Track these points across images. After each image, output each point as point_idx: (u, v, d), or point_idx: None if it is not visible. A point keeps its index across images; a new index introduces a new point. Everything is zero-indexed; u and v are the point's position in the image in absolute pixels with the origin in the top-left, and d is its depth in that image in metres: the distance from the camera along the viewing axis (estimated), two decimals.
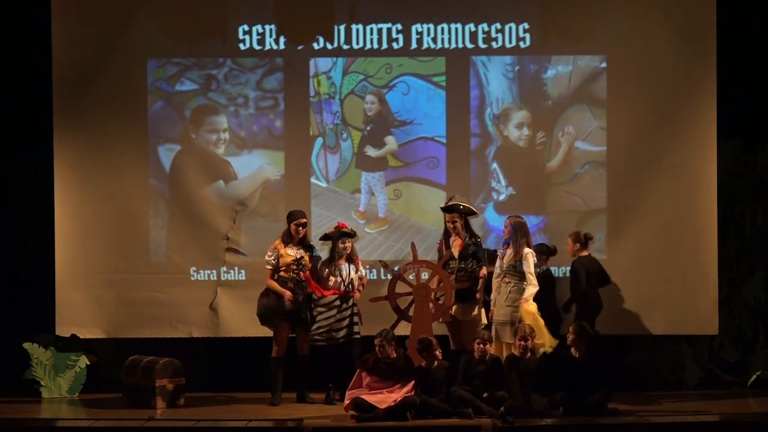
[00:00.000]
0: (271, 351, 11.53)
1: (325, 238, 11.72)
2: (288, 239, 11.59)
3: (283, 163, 12.59)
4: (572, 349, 10.93)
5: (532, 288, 11.24)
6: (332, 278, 11.58)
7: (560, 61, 12.57)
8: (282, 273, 11.54)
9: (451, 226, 11.59)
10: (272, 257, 11.55)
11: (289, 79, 12.55)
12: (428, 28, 12.52)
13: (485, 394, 10.77)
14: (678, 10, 12.40)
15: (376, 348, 10.85)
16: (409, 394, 10.64)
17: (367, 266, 12.33)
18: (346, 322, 11.52)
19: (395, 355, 10.85)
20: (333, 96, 12.61)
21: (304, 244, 11.65)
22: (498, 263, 11.48)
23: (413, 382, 10.77)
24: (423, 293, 11.46)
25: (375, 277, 12.39)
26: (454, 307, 11.51)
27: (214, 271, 12.48)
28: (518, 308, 11.20)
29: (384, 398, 10.60)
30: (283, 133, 12.58)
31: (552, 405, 10.67)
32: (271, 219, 12.43)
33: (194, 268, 12.44)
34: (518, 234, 11.40)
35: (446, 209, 11.65)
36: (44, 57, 12.43)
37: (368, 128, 12.64)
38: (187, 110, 12.59)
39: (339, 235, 11.62)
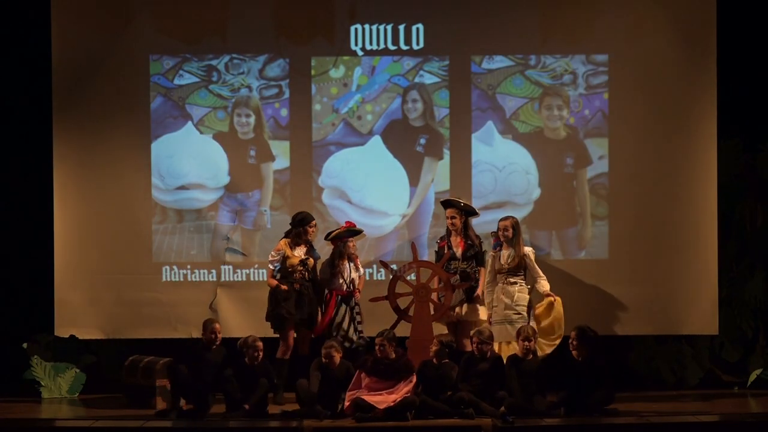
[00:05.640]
0: (277, 351, 11.49)
1: (335, 237, 11.62)
2: (298, 241, 11.55)
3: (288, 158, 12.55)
4: (574, 352, 10.92)
5: (544, 281, 11.35)
6: (340, 278, 11.57)
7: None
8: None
9: (450, 222, 11.55)
10: (277, 258, 11.52)
11: (290, 80, 12.51)
12: (429, 29, 12.49)
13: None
14: (678, 11, 12.39)
15: (377, 348, 10.84)
16: (408, 394, 10.65)
17: (372, 266, 12.36)
18: (350, 324, 11.52)
19: (395, 355, 10.85)
20: (334, 96, 12.58)
21: (307, 243, 11.64)
22: (493, 266, 11.47)
23: (413, 382, 10.76)
24: (423, 293, 11.45)
25: (375, 278, 12.39)
26: (457, 308, 11.52)
27: (214, 271, 12.46)
28: (524, 307, 11.27)
29: (384, 398, 10.60)
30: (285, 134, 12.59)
31: (553, 405, 10.67)
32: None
33: (194, 269, 12.43)
34: (519, 234, 11.43)
35: (445, 204, 11.63)
36: (44, 56, 12.41)
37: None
38: (189, 105, 12.53)
39: (349, 234, 11.58)
